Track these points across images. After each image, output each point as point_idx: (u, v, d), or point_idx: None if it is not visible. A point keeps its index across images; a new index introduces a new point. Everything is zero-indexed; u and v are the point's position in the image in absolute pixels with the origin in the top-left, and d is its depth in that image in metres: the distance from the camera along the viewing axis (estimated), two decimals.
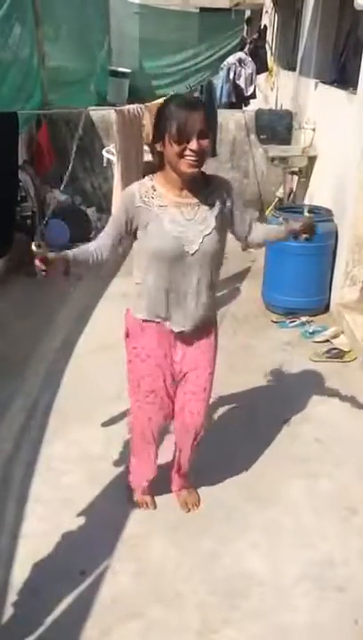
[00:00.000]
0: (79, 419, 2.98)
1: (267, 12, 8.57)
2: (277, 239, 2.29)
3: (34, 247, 1.83)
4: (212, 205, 1.97)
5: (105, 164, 4.78)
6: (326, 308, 4.26)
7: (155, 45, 10.10)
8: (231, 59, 7.44)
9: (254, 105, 7.37)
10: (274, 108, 6.97)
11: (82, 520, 2.36)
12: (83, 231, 5.33)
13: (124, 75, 8.85)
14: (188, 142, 1.79)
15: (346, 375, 3.47)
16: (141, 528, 2.34)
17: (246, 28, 10.72)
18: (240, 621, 1.97)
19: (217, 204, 1.98)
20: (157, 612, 2.00)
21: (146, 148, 4.08)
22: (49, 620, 1.95)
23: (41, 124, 5.33)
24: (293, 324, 4.04)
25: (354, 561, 2.22)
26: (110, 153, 4.32)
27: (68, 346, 3.70)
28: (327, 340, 3.79)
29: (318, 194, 4.88)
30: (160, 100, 2.54)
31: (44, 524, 2.33)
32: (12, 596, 2.03)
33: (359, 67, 3.79)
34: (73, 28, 6.60)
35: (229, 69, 7.26)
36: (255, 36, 8.12)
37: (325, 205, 4.31)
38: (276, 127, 5.73)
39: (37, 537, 2.27)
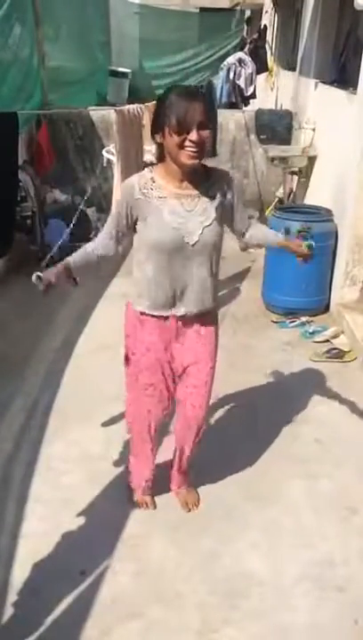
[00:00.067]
0: (79, 419, 2.98)
1: (267, 12, 8.58)
2: (275, 245, 2.25)
3: (34, 280, 1.90)
4: (212, 197, 1.96)
5: (105, 164, 4.78)
6: (326, 308, 4.26)
7: (155, 45, 10.08)
8: (231, 59, 7.44)
9: (254, 105, 7.37)
10: (274, 108, 6.97)
11: (82, 520, 2.36)
12: (83, 231, 5.33)
13: (124, 75, 8.83)
14: (188, 133, 1.78)
15: (346, 375, 3.47)
16: (141, 528, 2.34)
17: (246, 28, 10.71)
18: (240, 621, 1.97)
19: (218, 195, 1.98)
20: (157, 611, 2.00)
21: (146, 148, 4.09)
22: (49, 619, 1.95)
23: (41, 124, 5.33)
24: (293, 324, 4.04)
25: (354, 561, 2.22)
26: (110, 153, 4.31)
27: (68, 346, 3.70)
28: (327, 340, 3.79)
29: (318, 194, 4.88)
30: None
31: (44, 523, 2.33)
32: (12, 596, 2.03)
33: (359, 67, 3.80)
34: (73, 28, 6.59)
35: (229, 69, 7.26)
36: (255, 35, 8.11)
37: (325, 205, 4.31)
38: (276, 127, 5.73)
39: (37, 537, 2.27)
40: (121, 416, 2.90)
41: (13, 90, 4.61)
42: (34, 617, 1.96)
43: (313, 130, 5.10)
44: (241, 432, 2.92)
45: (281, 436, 2.91)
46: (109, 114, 5.06)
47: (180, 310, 2.05)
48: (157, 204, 1.91)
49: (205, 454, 2.58)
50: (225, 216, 2.03)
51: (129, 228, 2.00)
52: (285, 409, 3.11)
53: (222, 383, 2.65)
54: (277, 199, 5.77)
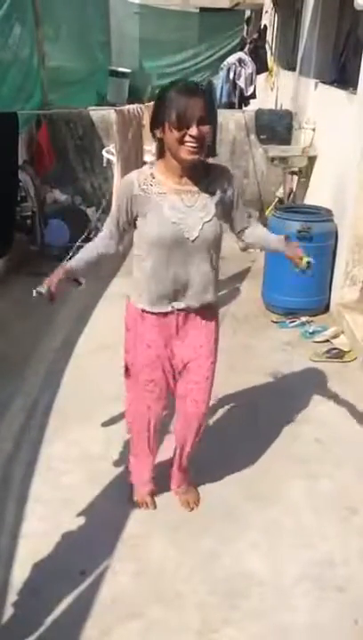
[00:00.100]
0: (79, 419, 2.98)
1: (267, 12, 8.57)
2: (275, 249, 2.23)
3: (35, 295, 1.94)
4: (212, 193, 1.96)
5: (105, 164, 4.78)
6: (326, 308, 4.26)
7: (155, 45, 10.10)
8: (231, 59, 7.44)
9: (254, 105, 7.37)
10: (274, 107, 6.97)
11: (82, 520, 2.36)
12: (83, 231, 5.33)
13: (124, 75, 8.84)
14: (188, 128, 1.77)
15: (346, 375, 3.47)
16: (141, 528, 2.34)
17: (245, 27, 10.72)
18: (240, 621, 1.97)
19: (218, 192, 1.97)
20: (157, 611, 2.00)
21: (146, 148, 4.09)
22: (49, 620, 1.95)
23: (41, 124, 5.33)
24: (293, 324, 4.04)
25: (354, 561, 2.22)
26: (110, 153, 4.32)
27: (68, 346, 3.70)
28: (327, 340, 3.79)
29: (318, 194, 4.88)
30: None
31: (44, 524, 2.33)
32: (12, 596, 2.03)
33: (359, 67, 3.79)
34: (73, 28, 6.59)
35: (229, 69, 7.26)
36: (255, 35, 8.12)
37: (325, 205, 4.31)
38: (276, 127, 5.73)
39: (37, 537, 2.27)
40: (121, 416, 2.90)
41: (13, 90, 4.61)
42: (34, 617, 1.96)
43: (313, 130, 5.10)
44: (241, 432, 2.92)
45: (281, 435, 2.91)
46: (109, 114, 5.06)
47: (180, 305, 2.05)
48: (156, 199, 1.91)
49: (205, 454, 2.58)
50: (225, 212, 2.03)
51: (129, 224, 2.00)
52: (285, 409, 3.11)
53: (222, 383, 2.65)
54: (277, 199, 5.77)
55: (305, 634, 1.94)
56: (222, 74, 7.30)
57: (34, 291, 1.96)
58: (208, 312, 2.13)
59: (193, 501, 2.47)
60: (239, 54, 7.52)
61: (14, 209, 4.18)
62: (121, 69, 8.84)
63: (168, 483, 2.49)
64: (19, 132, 3.83)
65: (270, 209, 5.44)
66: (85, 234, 4.29)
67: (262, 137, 5.79)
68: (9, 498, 2.46)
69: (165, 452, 2.54)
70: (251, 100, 7.55)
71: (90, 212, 5.72)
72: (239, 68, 7.26)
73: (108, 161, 4.45)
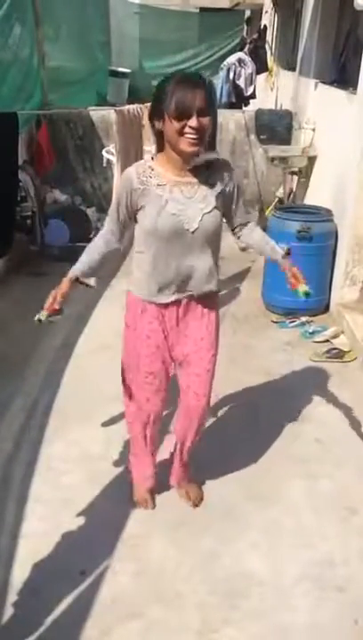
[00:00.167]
0: (79, 419, 2.98)
1: (267, 12, 8.57)
2: (273, 259, 2.21)
3: (36, 323, 2.02)
4: (212, 185, 1.95)
5: (105, 164, 4.78)
6: (326, 308, 4.26)
7: (155, 45, 10.10)
8: (231, 59, 7.44)
9: (254, 105, 7.37)
10: (274, 108, 6.97)
11: (82, 520, 2.36)
12: (83, 231, 5.34)
13: (124, 75, 8.84)
14: (188, 119, 1.76)
15: (346, 375, 3.47)
16: (141, 528, 2.34)
17: (245, 27, 10.72)
18: (240, 621, 1.97)
19: (218, 184, 1.96)
20: (157, 611, 2.00)
21: (146, 148, 4.09)
22: (49, 620, 1.95)
23: (41, 124, 5.33)
24: (293, 324, 4.04)
25: (354, 561, 2.22)
26: (110, 153, 4.32)
27: (68, 346, 3.70)
28: (327, 340, 3.79)
29: (318, 194, 4.88)
30: None
31: (44, 523, 2.33)
32: (12, 596, 2.03)
33: (359, 67, 3.79)
34: (73, 27, 6.59)
35: (229, 69, 7.26)
36: (255, 36, 8.11)
37: (325, 205, 4.31)
38: (276, 127, 5.73)
39: (37, 537, 2.26)
40: (121, 416, 2.90)
41: (13, 90, 4.61)
42: (34, 617, 1.96)
43: (313, 130, 5.10)
44: (241, 432, 2.92)
45: (281, 435, 2.91)
46: (109, 114, 5.06)
47: (180, 296, 2.05)
48: (156, 191, 1.90)
49: (205, 453, 2.59)
50: (225, 205, 2.01)
51: (129, 218, 2.00)
52: (285, 409, 3.11)
53: (223, 383, 2.66)
54: (277, 199, 5.77)
55: (305, 634, 1.94)
56: (222, 74, 7.30)
57: (35, 319, 2.02)
58: (208, 303, 2.13)
59: (194, 497, 2.46)
60: (239, 54, 7.52)
61: (14, 209, 4.18)
62: (121, 69, 8.84)
63: (168, 483, 2.49)
64: (19, 132, 3.84)
65: (270, 209, 5.44)
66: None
67: (261, 137, 5.79)
68: (9, 498, 2.46)
69: (166, 451, 2.55)
70: (251, 100, 7.54)
71: (90, 212, 5.73)
72: (239, 68, 7.25)
73: (108, 161, 4.45)
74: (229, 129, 5.96)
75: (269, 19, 8.35)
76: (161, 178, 1.91)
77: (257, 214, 5.87)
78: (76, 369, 3.45)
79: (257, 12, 9.51)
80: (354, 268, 4.03)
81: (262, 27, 8.30)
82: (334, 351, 3.65)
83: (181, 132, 1.79)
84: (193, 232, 1.93)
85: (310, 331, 3.93)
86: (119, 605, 2.01)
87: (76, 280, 2.08)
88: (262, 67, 7.62)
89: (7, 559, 2.17)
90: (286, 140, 5.66)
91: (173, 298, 2.04)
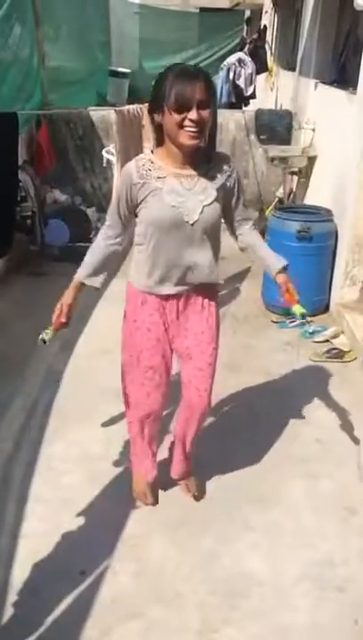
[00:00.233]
0: (79, 419, 2.98)
1: (267, 12, 8.57)
2: (269, 269, 2.20)
3: (40, 342, 2.09)
4: (213, 178, 1.95)
5: (105, 164, 4.78)
6: (326, 308, 4.26)
7: (155, 45, 10.10)
8: (231, 59, 7.43)
9: (253, 105, 7.37)
10: (274, 108, 6.97)
11: (82, 520, 2.36)
12: (83, 231, 5.34)
13: (124, 75, 8.84)
14: (188, 111, 1.75)
15: (346, 375, 3.47)
16: (141, 528, 2.34)
17: (245, 27, 10.72)
18: (240, 621, 1.97)
19: (219, 177, 1.96)
20: (157, 611, 2.00)
21: (146, 148, 4.09)
22: (49, 620, 1.95)
23: (41, 124, 5.33)
24: (293, 324, 4.04)
25: (354, 561, 2.22)
26: (110, 153, 4.32)
27: (68, 346, 3.70)
28: (327, 340, 3.79)
29: (318, 194, 4.88)
30: None
31: (44, 524, 2.33)
32: (12, 596, 2.03)
33: (359, 67, 3.79)
34: (73, 28, 6.59)
35: (228, 69, 7.26)
36: (255, 36, 8.11)
37: (325, 205, 4.31)
38: (276, 127, 5.73)
39: (37, 537, 2.26)
40: (121, 416, 2.90)
41: (13, 90, 4.61)
42: (34, 617, 1.96)
43: (313, 130, 5.10)
44: (241, 432, 2.92)
45: (281, 435, 2.91)
46: (109, 114, 5.06)
47: (180, 289, 2.05)
48: (156, 184, 1.90)
49: (205, 454, 2.59)
50: (226, 199, 2.01)
51: (130, 212, 1.99)
52: (285, 409, 3.11)
53: (223, 383, 2.66)
54: (277, 199, 5.77)
55: (305, 634, 1.94)
56: (222, 74, 7.30)
57: (39, 339, 2.09)
58: (208, 296, 2.13)
59: (195, 490, 2.46)
60: (239, 54, 7.52)
61: (14, 209, 4.18)
62: (121, 69, 8.85)
63: (169, 478, 2.49)
64: (19, 132, 3.84)
65: (270, 209, 5.44)
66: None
67: (261, 137, 5.79)
68: (9, 498, 2.46)
69: (166, 451, 2.55)
70: (251, 100, 7.54)
71: (90, 212, 5.73)
72: (239, 69, 7.25)
73: (108, 161, 4.45)
74: (229, 129, 5.96)
75: (269, 19, 8.35)
76: (161, 171, 1.90)
77: (257, 214, 5.87)
78: (76, 369, 3.45)
79: (257, 12, 9.52)
80: (354, 268, 4.03)
81: (261, 27, 8.30)
82: (334, 351, 3.65)
83: (180, 125, 1.77)
84: (193, 224, 1.93)
85: (310, 331, 3.92)
86: (119, 605, 2.01)
87: (82, 285, 2.09)
88: (261, 67, 7.62)
89: (7, 559, 2.17)
90: (286, 140, 5.66)
91: (173, 290, 2.05)
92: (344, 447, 2.82)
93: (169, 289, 2.04)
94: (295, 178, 5.50)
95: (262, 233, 4.29)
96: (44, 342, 2.10)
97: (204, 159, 1.94)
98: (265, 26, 8.27)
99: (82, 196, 5.95)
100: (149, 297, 2.07)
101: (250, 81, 7.32)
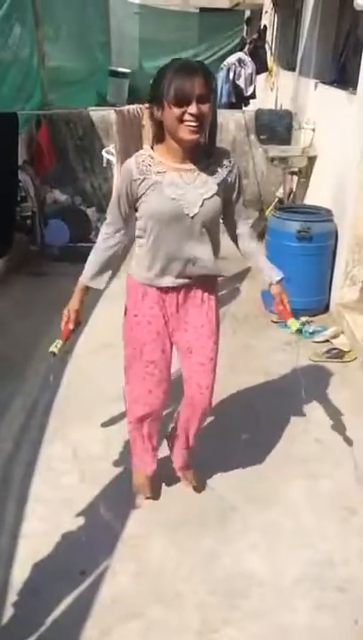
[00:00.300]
0: (79, 419, 2.98)
1: (267, 12, 8.58)
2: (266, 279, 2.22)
3: (52, 355, 2.15)
4: (213, 172, 1.95)
5: (105, 164, 4.79)
6: (326, 308, 4.26)
7: (155, 45, 10.10)
8: (231, 59, 7.44)
9: (254, 105, 7.37)
10: (274, 108, 6.97)
11: (82, 520, 2.36)
12: (83, 231, 5.34)
13: (124, 75, 8.85)
14: (187, 105, 1.75)
15: (346, 375, 3.47)
16: (141, 528, 2.34)
17: (245, 28, 10.72)
18: (240, 621, 1.97)
19: (219, 172, 1.96)
20: (157, 611, 2.00)
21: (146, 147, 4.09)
22: (49, 620, 1.95)
23: (41, 124, 5.33)
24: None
25: (354, 561, 2.22)
26: (110, 153, 4.32)
27: (68, 346, 3.69)
28: (327, 340, 3.79)
29: (318, 194, 4.88)
30: None
31: (44, 524, 2.33)
32: (12, 596, 2.03)
33: (359, 67, 3.79)
34: (73, 28, 6.59)
35: (228, 69, 7.26)
36: (255, 36, 8.12)
37: (325, 205, 4.31)
38: (276, 127, 5.73)
39: (37, 537, 2.26)
40: (121, 416, 2.91)
41: (13, 90, 4.61)
42: (34, 617, 1.96)
43: (313, 130, 5.10)
44: (241, 432, 2.92)
45: (281, 435, 2.91)
46: (109, 114, 5.06)
47: (179, 282, 2.06)
48: (156, 178, 1.90)
49: (205, 454, 2.59)
50: (226, 194, 2.00)
51: (130, 207, 2.00)
52: (285, 409, 3.10)
53: (223, 383, 2.65)
54: (277, 199, 5.77)
55: (305, 634, 1.94)
56: (222, 74, 7.30)
57: (49, 352, 2.14)
58: (208, 290, 2.13)
59: (194, 481, 2.48)
60: (239, 54, 7.52)
61: (14, 209, 4.18)
62: (121, 69, 8.85)
63: (168, 483, 2.49)
64: (19, 132, 3.84)
65: (270, 209, 5.44)
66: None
67: (261, 137, 5.80)
68: (9, 498, 2.46)
69: (166, 449, 2.54)
70: (251, 100, 7.55)
71: (90, 212, 5.73)
72: (239, 69, 7.26)
73: (108, 161, 4.45)
74: (229, 129, 5.97)
75: (269, 19, 8.35)
76: (161, 166, 1.91)
77: (257, 214, 5.87)
78: (76, 369, 3.45)
79: (257, 12, 9.52)
80: (354, 268, 4.03)
81: (261, 27, 8.31)
82: (334, 351, 3.65)
83: (180, 120, 1.77)
84: (193, 217, 1.93)
85: (310, 330, 3.93)
86: (119, 605, 2.01)
87: (87, 288, 2.11)
88: (261, 67, 7.62)
89: (7, 559, 2.17)
90: (286, 140, 5.66)
91: (173, 282, 2.05)
92: (344, 447, 2.82)
93: (169, 281, 2.05)
94: (295, 178, 5.50)
95: (262, 233, 4.31)
96: (54, 355, 2.13)
97: (204, 154, 1.94)
98: (265, 26, 8.27)
99: (82, 196, 5.95)
100: (149, 290, 2.08)
101: (250, 81, 7.33)
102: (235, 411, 3.09)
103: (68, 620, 1.96)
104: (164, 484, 2.52)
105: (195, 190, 1.92)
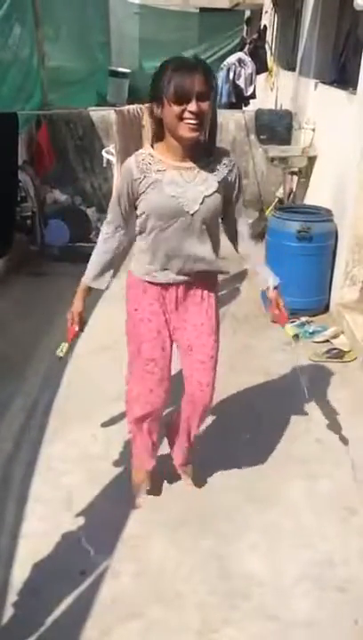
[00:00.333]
0: (79, 419, 2.97)
1: (267, 12, 8.58)
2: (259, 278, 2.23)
3: (59, 359, 2.15)
4: (214, 170, 1.95)
5: (105, 164, 4.78)
6: (326, 308, 4.26)
7: (155, 45, 10.10)
8: (231, 59, 7.44)
9: (254, 105, 7.37)
10: (274, 108, 6.97)
11: (82, 520, 2.36)
12: (83, 231, 5.33)
13: (124, 75, 8.84)
14: (187, 103, 1.75)
15: (346, 375, 3.47)
16: (141, 528, 2.34)
17: (245, 28, 10.72)
18: (240, 621, 1.97)
19: (220, 170, 1.96)
20: (157, 611, 2.00)
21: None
22: (49, 620, 1.95)
23: (41, 124, 5.33)
24: (293, 324, 4.04)
25: (354, 561, 2.21)
26: (110, 153, 4.32)
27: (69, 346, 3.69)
28: (327, 340, 3.79)
29: (318, 194, 4.88)
30: None
31: (44, 524, 2.33)
32: (12, 596, 2.03)
33: (359, 67, 3.79)
34: (73, 28, 6.59)
35: (228, 69, 7.26)
36: (255, 36, 8.12)
37: (325, 205, 4.31)
38: (276, 127, 5.73)
39: (37, 537, 2.26)
40: (121, 416, 2.91)
41: (13, 90, 4.61)
42: (34, 617, 1.96)
43: (313, 130, 5.10)
44: (241, 432, 2.92)
45: (281, 435, 2.91)
46: (109, 114, 5.06)
47: (179, 278, 2.06)
48: (156, 176, 1.91)
49: (205, 454, 2.59)
50: (226, 192, 2.00)
51: (131, 206, 2.00)
52: (285, 409, 3.11)
53: (223, 383, 2.65)
54: (277, 199, 5.77)
55: (305, 634, 1.94)
56: (222, 74, 7.30)
57: (56, 355, 2.15)
58: (208, 287, 2.14)
59: (192, 475, 2.48)
60: (239, 54, 7.52)
61: (14, 209, 4.18)
62: (121, 69, 8.85)
63: (169, 483, 2.49)
64: (19, 132, 3.84)
65: (270, 209, 5.44)
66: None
67: (261, 137, 5.80)
68: (9, 498, 2.46)
69: (166, 448, 2.54)
70: (251, 100, 7.55)
71: (90, 212, 5.73)
72: (239, 69, 7.26)
73: (108, 161, 4.45)
74: (229, 129, 5.97)
75: (269, 19, 8.35)
76: (161, 164, 1.91)
77: (257, 214, 5.87)
78: (76, 369, 3.45)
79: (257, 12, 9.52)
80: (354, 268, 4.02)
81: (261, 27, 8.31)
82: (334, 351, 3.65)
83: (180, 117, 1.77)
84: (193, 214, 1.94)
85: (310, 331, 3.93)
86: (119, 605, 2.01)
87: (90, 289, 2.12)
88: (261, 67, 7.62)
89: (7, 559, 2.17)
90: (286, 140, 5.66)
91: (173, 279, 2.05)
92: (344, 447, 2.82)
93: (169, 278, 2.05)
94: (295, 178, 5.50)
95: (262, 233, 4.31)
96: (60, 358, 2.16)
97: (204, 153, 1.94)
98: (265, 26, 8.27)
99: (82, 196, 5.95)
100: (149, 287, 2.08)
101: (250, 81, 7.33)
102: (235, 411, 3.09)
103: (68, 619, 1.96)
104: (164, 484, 2.52)
105: (195, 188, 1.92)
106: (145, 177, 1.91)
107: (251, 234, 2.20)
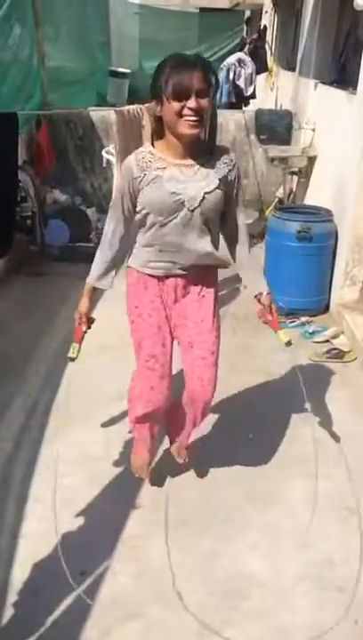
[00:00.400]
0: (79, 419, 2.97)
1: (267, 12, 8.57)
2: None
3: (71, 360, 2.20)
4: (213, 167, 1.95)
5: (105, 165, 4.78)
6: (326, 308, 4.26)
7: (155, 45, 10.09)
8: (231, 59, 7.43)
9: (254, 105, 7.37)
10: (274, 108, 6.97)
11: (82, 520, 2.35)
12: (83, 231, 5.33)
13: (124, 75, 8.85)
14: (186, 99, 1.75)
15: (346, 375, 3.47)
16: (141, 528, 2.34)
17: (245, 28, 10.72)
18: (240, 622, 1.97)
19: (221, 167, 1.96)
20: (157, 611, 2.00)
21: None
22: (49, 620, 1.95)
23: (41, 124, 5.33)
24: (293, 324, 4.04)
25: (354, 561, 2.21)
26: (110, 153, 4.32)
27: (69, 346, 3.68)
28: (327, 341, 3.79)
29: (318, 194, 4.88)
30: None
31: (44, 524, 2.33)
32: (12, 596, 2.03)
33: (359, 67, 3.79)
34: (73, 28, 6.60)
35: (228, 70, 7.26)
36: (255, 36, 8.11)
37: (325, 205, 4.31)
38: (276, 127, 5.72)
39: (37, 537, 2.26)
40: (121, 416, 2.91)
41: (13, 90, 4.62)
42: (34, 617, 1.96)
43: (313, 130, 5.10)
44: (241, 432, 2.92)
45: (281, 435, 2.91)
46: (109, 114, 5.06)
47: (179, 272, 2.07)
48: (156, 173, 1.91)
49: (205, 453, 2.59)
50: (226, 190, 2.00)
51: (133, 204, 2.00)
52: (285, 409, 3.10)
53: (223, 383, 2.65)
54: (277, 199, 5.77)
55: (305, 634, 1.94)
56: (222, 74, 7.29)
57: (68, 357, 2.20)
58: (207, 283, 2.15)
59: (185, 456, 2.49)
60: (239, 54, 7.52)
61: (14, 209, 4.18)
62: (121, 70, 8.85)
63: (168, 484, 2.49)
64: (19, 132, 3.84)
65: (270, 209, 5.43)
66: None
67: (261, 137, 5.79)
68: (9, 498, 2.46)
69: (165, 445, 2.54)
70: (251, 101, 7.54)
71: (90, 212, 5.72)
72: (239, 69, 7.25)
73: (108, 161, 4.45)
74: (229, 129, 5.96)
75: (269, 19, 8.35)
76: (161, 162, 1.91)
77: (257, 214, 5.87)
78: (76, 369, 3.42)
79: (257, 12, 9.52)
80: (354, 268, 4.02)
81: (261, 27, 8.30)
82: (334, 351, 3.65)
83: (179, 114, 1.77)
84: (193, 210, 1.93)
85: (310, 331, 3.93)
86: (119, 605, 2.01)
87: (95, 289, 2.13)
88: (261, 67, 7.62)
89: (7, 559, 2.17)
90: (286, 140, 5.66)
91: (171, 271, 2.06)
92: (345, 447, 2.82)
93: (167, 270, 2.06)
94: (295, 178, 5.50)
95: (262, 233, 4.31)
96: (73, 360, 2.19)
97: (205, 151, 1.94)
98: (265, 26, 8.27)
99: (82, 196, 5.95)
100: (149, 281, 2.08)
101: (250, 81, 7.32)
102: (235, 411, 3.09)
103: (68, 619, 1.96)
104: (164, 485, 2.52)
105: (196, 184, 1.91)
106: (145, 175, 1.91)
107: (247, 238, 2.20)
